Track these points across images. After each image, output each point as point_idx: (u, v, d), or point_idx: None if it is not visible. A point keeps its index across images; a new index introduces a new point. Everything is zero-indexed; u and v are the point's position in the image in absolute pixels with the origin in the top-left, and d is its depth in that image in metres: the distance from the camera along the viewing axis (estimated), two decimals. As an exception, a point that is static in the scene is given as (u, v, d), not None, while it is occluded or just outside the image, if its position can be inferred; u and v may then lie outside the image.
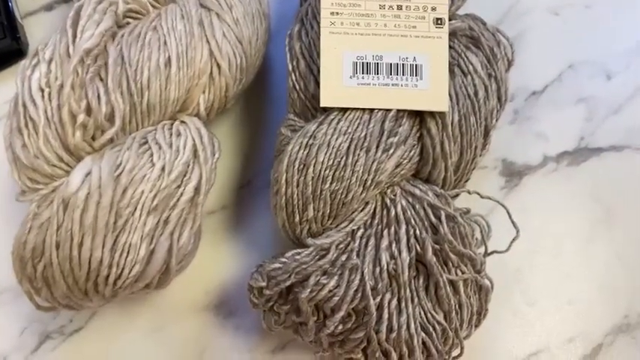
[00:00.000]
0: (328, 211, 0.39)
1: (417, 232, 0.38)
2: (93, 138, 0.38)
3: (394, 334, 0.37)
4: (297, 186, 0.39)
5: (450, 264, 0.38)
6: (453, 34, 0.42)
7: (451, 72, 0.41)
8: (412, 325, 0.37)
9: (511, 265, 0.47)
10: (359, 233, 0.39)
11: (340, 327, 0.37)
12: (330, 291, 0.36)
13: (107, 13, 0.40)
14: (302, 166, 0.39)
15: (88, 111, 0.38)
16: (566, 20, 0.56)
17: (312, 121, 0.40)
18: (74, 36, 0.39)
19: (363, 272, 0.37)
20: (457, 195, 0.42)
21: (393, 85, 0.40)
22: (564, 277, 0.48)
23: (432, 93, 0.40)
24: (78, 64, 0.37)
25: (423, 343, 0.38)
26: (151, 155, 0.38)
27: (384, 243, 0.38)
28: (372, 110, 0.39)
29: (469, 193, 0.42)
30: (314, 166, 0.38)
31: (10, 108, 0.39)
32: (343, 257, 0.38)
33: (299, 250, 0.38)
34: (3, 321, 0.46)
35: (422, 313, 0.38)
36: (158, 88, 0.39)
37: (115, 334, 0.46)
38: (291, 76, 0.42)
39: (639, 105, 0.53)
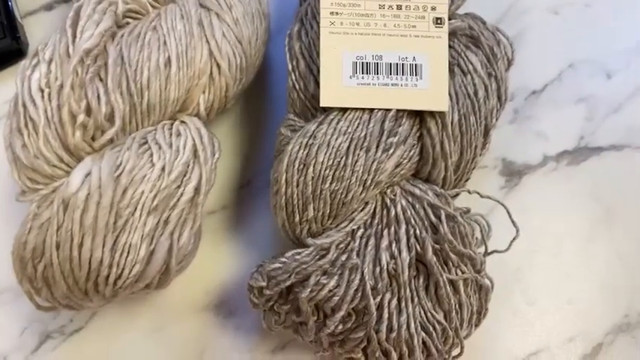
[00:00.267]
0: (328, 210, 0.39)
1: (417, 231, 0.38)
2: (93, 138, 0.38)
3: (394, 334, 0.37)
4: (297, 186, 0.39)
5: (450, 263, 0.38)
6: (452, 34, 0.42)
7: (451, 71, 0.41)
8: (412, 325, 0.37)
9: (511, 264, 0.47)
10: (359, 233, 0.39)
11: (340, 327, 0.37)
12: (330, 291, 0.37)
13: (107, 13, 0.40)
14: (302, 166, 0.39)
15: (88, 111, 0.38)
16: (566, 19, 0.56)
17: (312, 121, 0.40)
18: (74, 36, 0.39)
19: (363, 272, 0.37)
20: (457, 194, 0.42)
21: (392, 84, 0.40)
22: (564, 277, 0.48)
23: (431, 93, 0.40)
24: (78, 65, 0.37)
25: (423, 342, 0.38)
26: (151, 155, 0.38)
27: (384, 243, 0.38)
28: (371, 110, 0.39)
29: (469, 192, 0.42)
30: (314, 166, 0.38)
31: (9, 108, 0.39)
32: (343, 257, 0.38)
33: (299, 250, 0.38)
34: (3, 321, 0.46)
35: (422, 312, 0.38)
36: (158, 88, 0.39)
37: (116, 334, 0.46)
38: (290, 76, 0.42)
39: (639, 104, 0.53)
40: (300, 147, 0.39)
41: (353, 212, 0.40)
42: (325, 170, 0.38)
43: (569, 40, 0.55)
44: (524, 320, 0.47)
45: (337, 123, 0.39)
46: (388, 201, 0.40)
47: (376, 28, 0.40)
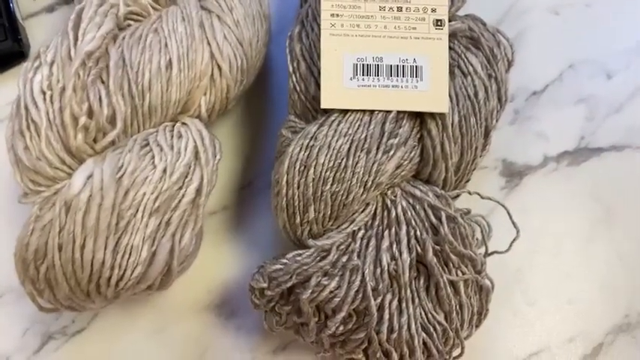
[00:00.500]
0: (329, 212, 0.39)
1: (418, 233, 0.39)
2: (95, 140, 0.39)
3: (395, 335, 0.37)
4: (298, 187, 0.39)
5: (451, 265, 0.38)
6: (452, 35, 0.42)
7: (451, 73, 0.41)
8: (413, 326, 0.37)
9: (511, 265, 0.47)
10: (360, 234, 0.39)
11: (341, 328, 0.37)
12: (331, 292, 0.37)
13: (108, 16, 0.40)
14: (303, 167, 0.39)
15: (90, 113, 0.38)
16: (566, 20, 0.56)
17: (313, 123, 0.40)
18: (75, 39, 0.39)
19: (363, 273, 0.37)
20: (458, 196, 0.42)
21: (393, 86, 0.40)
22: (565, 277, 0.48)
23: (432, 94, 0.40)
24: (79, 67, 0.37)
25: (424, 343, 0.38)
26: (153, 157, 0.38)
27: (385, 244, 0.38)
28: (372, 112, 0.40)
29: (469, 193, 0.42)
30: (315, 168, 0.39)
31: (12, 110, 0.40)
32: (344, 258, 0.38)
33: (300, 252, 0.38)
34: (6, 322, 0.46)
35: (422, 313, 0.38)
36: (159, 90, 0.39)
37: (117, 334, 0.46)
38: (291, 77, 0.42)
39: (639, 104, 0.53)
40: (300, 148, 0.39)
41: (354, 213, 0.40)
42: (326, 172, 0.38)
43: (569, 41, 0.55)
44: (525, 321, 0.47)
45: (338, 125, 0.39)
46: (389, 202, 0.40)
47: (377, 30, 0.40)
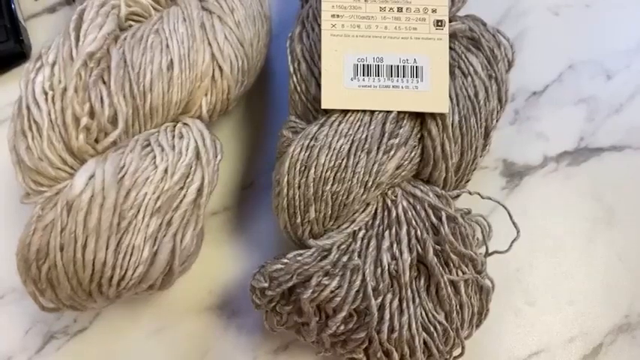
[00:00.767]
0: (330, 212, 0.39)
1: (418, 232, 0.39)
2: (96, 140, 0.39)
3: (395, 335, 0.37)
4: (299, 187, 0.39)
5: (451, 264, 0.39)
6: (453, 36, 0.42)
7: (451, 73, 0.41)
8: (413, 326, 0.37)
9: (512, 265, 0.47)
10: (360, 234, 0.39)
11: (342, 327, 0.37)
12: (332, 292, 0.37)
13: (109, 17, 0.40)
14: (303, 167, 0.39)
15: (92, 114, 0.38)
16: (566, 20, 0.56)
17: (314, 123, 0.40)
18: (77, 39, 0.39)
19: (364, 273, 0.37)
20: (458, 196, 0.42)
21: (393, 87, 0.40)
22: (565, 277, 0.48)
23: (432, 94, 0.40)
24: (81, 68, 0.38)
25: (425, 343, 0.38)
26: (154, 157, 0.38)
27: (386, 244, 0.38)
28: (372, 112, 0.40)
29: (470, 193, 0.42)
30: (315, 168, 0.39)
31: (13, 110, 0.40)
32: (345, 258, 0.38)
33: (301, 251, 0.38)
34: (8, 321, 0.46)
35: (423, 313, 0.38)
36: (160, 91, 0.39)
37: (119, 334, 0.46)
38: (292, 78, 0.42)
39: (639, 105, 0.53)
40: (301, 149, 0.39)
41: (354, 213, 0.40)
42: (327, 172, 0.39)
43: (569, 41, 0.55)
44: (525, 320, 0.47)
45: (338, 125, 0.39)
46: (389, 202, 0.40)
47: (377, 31, 0.41)
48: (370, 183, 0.39)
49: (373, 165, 0.39)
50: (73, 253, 0.36)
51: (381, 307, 0.37)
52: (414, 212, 0.40)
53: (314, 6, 0.43)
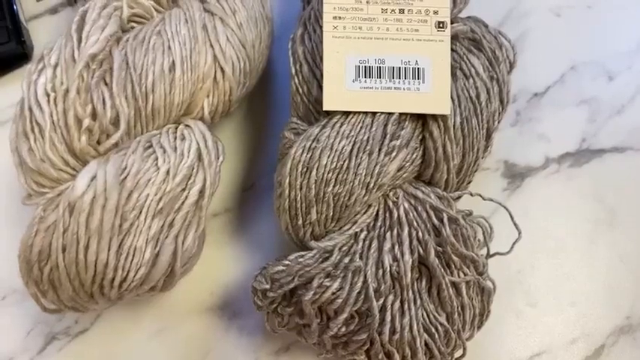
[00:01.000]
0: (331, 213, 0.39)
1: (420, 234, 0.39)
2: (98, 142, 0.39)
3: (397, 336, 0.37)
4: (301, 189, 0.39)
5: (453, 266, 0.39)
6: (454, 37, 0.42)
7: (453, 75, 0.41)
8: (415, 327, 0.37)
9: (513, 266, 0.47)
10: (362, 236, 0.39)
11: (343, 329, 0.37)
12: (334, 293, 0.37)
13: (112, 18, 0.40)
14: (305, 169, 0.39)
15: (94, 115, 0.38)
16: (568, 21, 0.56)
17: (315, 125, 0.40)
18: (79, 41, 0.39)
19: (366, 274, 0.37)
20: (459, 197, 0.42)
21: (395, 88, 0.40)
22: (566, 279, 0.48)
23: (434, 96, 0.40)
24: (83, 69, 0.38)
25: (426, 344, 0.38)
26: (156, 159, 0.38)
27: (387, 245, 0.38)
28: (374, 114, 0.40)
29: (471, 195, 0.42)
30: (317, 169, 0.39)
31: (16, 112, 0.40)
32: (346, 259, 0.38)
33: (302, 253, 0.38)
34: (9, 322, 0.46)
35: (424, 314, 0.38)
36: (162, 92, 0.39)
37: (121, 335, 0.46)
38: (294, 79, 0.42)
39: (641, 106, 0.53)
40: (303, 150, 0.39)
41: (356, 215, 0.40)
42: (328, 173, 0.39)
43: (571, 42, 0.55)
44: (526, 322, 0.47)
45: (340, 126, 0.39)
46: (391, 204, 0.40)
47: (379, 32, 0.41)
48: (372, 184, 0.39)
49: (375, 166, 0.39)
50: (75, 255, 0.36)
51: (383, 309, 0.37)
52: (415, 214, 0.40)
53: (316, 8, 0.43)
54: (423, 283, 0.39)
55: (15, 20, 0.52)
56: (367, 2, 0.41)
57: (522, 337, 0.46)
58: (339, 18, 0.41)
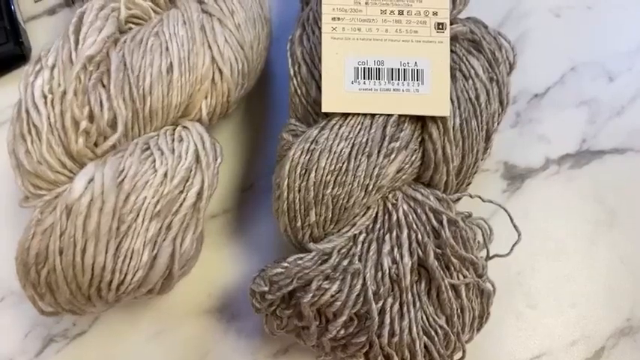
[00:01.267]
0: (330, 215, 0.39)
1: (419, 236, 0.38)
2: (95, 144, 0.38)
3: (396, 339, 0.37)
4: (299, 191, 0.39)
5: (452, 268, 0.38)
6: (454, 38, 0.42)
7: (452, 76, 0.41)
8: (414, 329, 0.37)
9: (513, 268, 0.47)
10: (361, 238, 0.39)
11: (342, 331, 0.37)
12: (332, 296, 0.37)
13: (109, 20, 0.40)
14: (304, 171, 0.39)
15: (91, 117, 0.38)
16: (568, 22, 0.56)
17: (314, 126, 0.40)
18: (76, 42, 0.39)
19: (365, 277, 0.37)
20: (459, 199, 0.42)
21: (394, 90, 0.40)
22: (566, 280, 0.48)
23: (433, 98, 0.40)
24: (80, 71, 0.37)
25: (425, 347, 0.38)
26: (154, 161, 0.38)
27: (386, 247, 0.38)
28: (373, 115, 0.39)
29: (471, 197, 0.42)
30: (316, 171, 0.38)
31: (13, 114, 0.40)
32: (345, 262, 0.38)
33: (301, 255, 0.38)
34: (7, 324, 0.46)
35: (424, 317, 0.38)
36: (160, 94, 0.39)
37: (118, 337, 0.46)
38: (292, 81, 0.42)
39: (642, 107, 0.53)
40: (302, 152, 0.39)
41: (355, 217, 0.40)
42: (327, 175, 0.38)
43: (570, 43, 0.55)
44: (526, 324, 0.47)
45: (339, 128, 0.39)
46: (390, 206, 0.40)
47: (378, 34, 0.40)
48: (371, 186, 0.39)
49: (374, 168, 0.38)
50: (73, 257, 0.36)
51: (382, 311, 0.37)
52: (414, 216, 0.39)
53: (314, 9, 0.42)
54: (423, 285, 0.38)
55: (13, 21, 0.52)
56: (366, 3, 0.41)
57: (522, 339, 0.46)
58: (338, 19, 0.40)
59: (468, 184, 0.43)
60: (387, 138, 0.39)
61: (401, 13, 0.41)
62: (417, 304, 0.38)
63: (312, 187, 0.39)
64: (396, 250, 0.38)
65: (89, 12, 0.40)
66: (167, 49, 0.40)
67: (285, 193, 0.39)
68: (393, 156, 0.39)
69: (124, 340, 0.46)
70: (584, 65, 0.54)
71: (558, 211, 0.50)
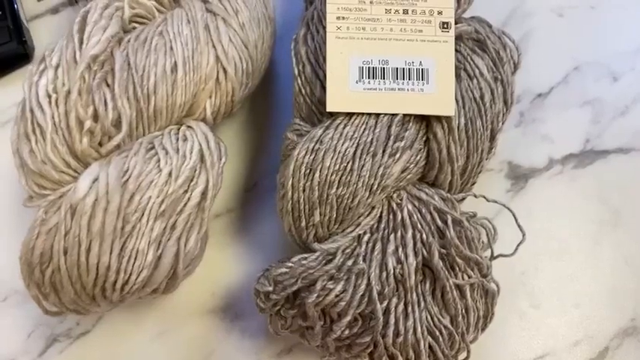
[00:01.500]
0: (334, 215, 0.39)
1: (424, 236, 0.38)
2: (100, 144, 0.38)
3: (401, 339, 0.37)
4: (304, 191, 0.39)
5: (457, 268, 0.38)
6: (458, 38, 0.42)
7: (457, 76, 0.41)
8: (419, 330, 0.37)
9: (517, 268, 0.47)
10: (365, 238, 0.39)
11: (347, 331, 0.37)
12: (337, 296, 0.37)
13: (113, 19, 0.40)
14: (308, 170, 0.39)
15: (95, 117, 0.38)
16: (571, 21, 0.56)
17: (319, 126, 0.40)
18: (81, 42, 0.39)
19: (369, 277, 0.37)
20: (463, 199, 0.42)
21: (399, 89, 0.40)
22: (570, 280, 0.48)
23: (438, 97, 0.40)
24: (85, 70, 0.37)
25: (430, 347, 0.38)
26: (158, 161, 0.38)
27: (391, 247, 0.38)
28: (378, 115, 0.39)
29: (475, 196, 0.42)
30: (320, 171, 0.38)
31: (17, 113, 0.39)
32: (350, 262, 0.38)
33: (305, 255, 0.38)
34: (10, 324, 0.46)
35: (428, 317, 0.38)
36: (164, 94, 0.39)
37: (122, 337, 0.46)
38: (297, 80, 0.42)
39: (645, 107, 0.53)
40: (306, 152, 0.39)
41: (359, 217, 0.40)
42: (332, 175, 0.38)
43: (574, 43, 0.55)
44: (530, 324, 0.47)
45: (344, 128, 0.39)
46: (394, 205, 0.40)
47: (382, 33, 0.40)
48: (375, 186, 0.39)
49: (378, 168, 0.38)
50: (77, 257, 0.36)
51: (387, 311, 0.37)
52: (419, 216, 0.39)
53: (319, 8, 0.42)
54: (427, 285, 0.38)
55: (16, 20, 0.52)
56: (371, 2, 0.41)
57: (526, 338, 0.46)
58: (343, 18, 0.40)
59: (473, 184, 0.43)
60: (391, 137, 0.39)
61: (406, 12, 0.41)
62: (422, 304, 0.38)
63: (316, 187, 0.39)
64: (400, 250, 0.38)
65: (93, 11, 0.40)
66: (171, 48, 0.40)
67: (290, 193, 0.39)
68: (397, 155, 0.39)
69: (127, 339, 0.46)
70: (588, 65, 0.54)
71: (562, 210, 0.50)
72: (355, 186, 0.38)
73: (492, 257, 0.41)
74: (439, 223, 0.39)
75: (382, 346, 0.37)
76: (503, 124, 0.43)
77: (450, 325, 0.38)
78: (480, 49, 0.43)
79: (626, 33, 0.56)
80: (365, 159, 0.38)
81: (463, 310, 0.38)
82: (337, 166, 0.38)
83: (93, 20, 0.39)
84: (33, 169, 0.38)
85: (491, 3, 0.50)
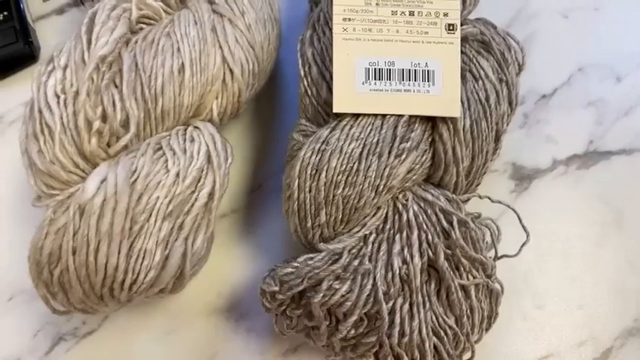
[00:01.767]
0: (340, 216, 0.39)
1: (429, 237, 0.39)
2: (108, 144, 0.39)
3: (406, 339, 0.37)
4: (310, 191, 0.39)
5: (462, 269, 0.39)
6: (464, 39, 0.42)
7: (463, 77, 0.41)
8: (424, 330, 0.37)
9: (521, 268, 0.47)
10: (371, 238, 0.39)
11: (352, 331, 0.37)
12: (343, 296, 0.37)
13: (121, 20, 0.40)
14: (314, 171, 0.39)
15: (104, 117, 0.38)
16: (576, 23, 0.56)
17: (325, 127, 0.40)
18: (89, 43, 0.39)
19: (375, 277, 0.37)
20: (468, 199, 0.42)
21: (405, 90, 0.40)
22: (574, 281, 0.48)
23: (444, 98, 0.40)
24: (93, 71, 0.38)
25: (435, 347, 0.38)
26: (166, 161, 0.38)
27: (396, 248, 0.38)
28: (384, 116, 0.39)
29: (480, 197, 0.42)
30: (326, 172, 0.39)
31: (25, 113, 0.40)
32: (355, 262, 0.38)
33: (311, 255, 0.38)
34: (16, 323, 0.46)
35: (433, 317, 0.38)
36: (172, 94, 0.39)
37: (128, 336, 0.46)
38: (303, 81, 0.42)
39: (649, 108, 0.53)
40: (312, 152, 0.39)
41: (365, 217, 0.40)
42: (338, 176, 0.39)
43: (578, 44, 0.55)
44: (534, 324, 0.47)
45: (350, 129, 0.39)
46: (400, 206, 0.40)
47: (389, 34, 0.40)
48: (381, 187, 0.39)
49: (384, 169, 0.39)
50: (86, 257, 0.36)
51: (392, 312, 0.37)
52: (424, 216, 0.40)
53: (325, 9, 0.43)
54: (432, 285, 0.39)
55: (22, 20, 0.52)
56: (377, 4, 0.41)
57: (530, 339, 0.46)
58: (349, 20, 0.40)
59: (477, 185, 0.43)
60: (397, 138, 0.39)
61: (412, 14, 0.41)
62: (427, 305, 0.38)
63: (322, 188, 0.39)
64: (406, 250, 0.38)
65: (101, 12, 0.40)
66: (178, 49, 0.40)
67: (296, 194, 0.39)
68: (403, 156, 0.39)
69: (133, 339, 0.46)
70: (592, 66, 0.54)
71: (566, 211, 0.50)
72: (361, 186, 0.38)
73: (496, 258, 0.41)
74: (444, 223, 0.39)
75: (387, 346, 0.37)
76: (507, 125, 0.43)
77: (454, 326, 0.38)
78: (486, 50, 0.43)
79: (630, 34, 0.56)
80: (371, 160, 0.39)
81: (468, 311, 0.38)
82: (343, 166, 0.38)
83: (101, 21, 0.39)
84: (41, 169, 0.38)
85: (496, 4, 0.51)
